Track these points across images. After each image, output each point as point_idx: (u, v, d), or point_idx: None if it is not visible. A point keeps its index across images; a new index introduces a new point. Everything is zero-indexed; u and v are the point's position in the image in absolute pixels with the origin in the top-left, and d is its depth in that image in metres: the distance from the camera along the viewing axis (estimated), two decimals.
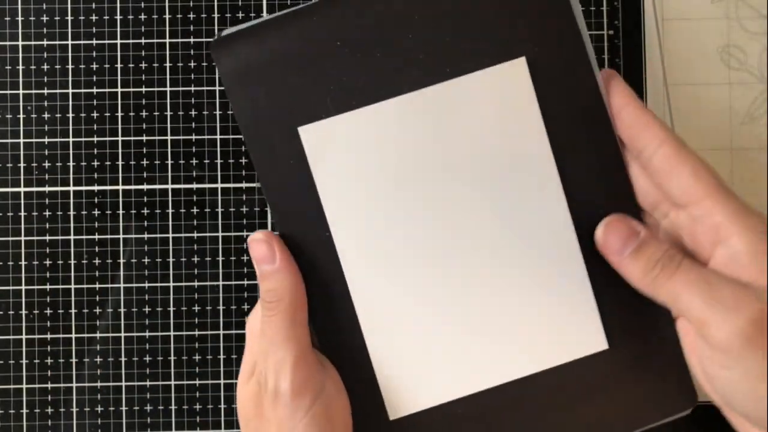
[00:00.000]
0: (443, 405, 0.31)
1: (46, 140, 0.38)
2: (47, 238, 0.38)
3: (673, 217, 0.30)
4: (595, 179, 0.31)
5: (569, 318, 0.31)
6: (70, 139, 0.38)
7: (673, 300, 0.28)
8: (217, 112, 0.38)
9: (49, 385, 0.38)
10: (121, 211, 0.38)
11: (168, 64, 0.38)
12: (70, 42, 0.38)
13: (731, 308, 0.26)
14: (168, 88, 0.38)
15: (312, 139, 0.30)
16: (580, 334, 0.31)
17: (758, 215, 0.27)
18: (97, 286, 0.38)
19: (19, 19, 0.38)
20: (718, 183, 0.28)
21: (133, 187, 0.38)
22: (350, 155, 0.31)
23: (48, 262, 0.38)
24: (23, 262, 0.38)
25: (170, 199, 0.38)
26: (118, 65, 0.38)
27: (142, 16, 0.39)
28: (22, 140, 0.38)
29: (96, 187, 0.38)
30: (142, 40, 0.38)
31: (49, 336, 0.38)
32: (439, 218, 0.31)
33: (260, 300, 0.31)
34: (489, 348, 0.31)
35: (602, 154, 0.31)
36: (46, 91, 0.38)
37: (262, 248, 0.30)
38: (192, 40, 0.38)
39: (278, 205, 0.31)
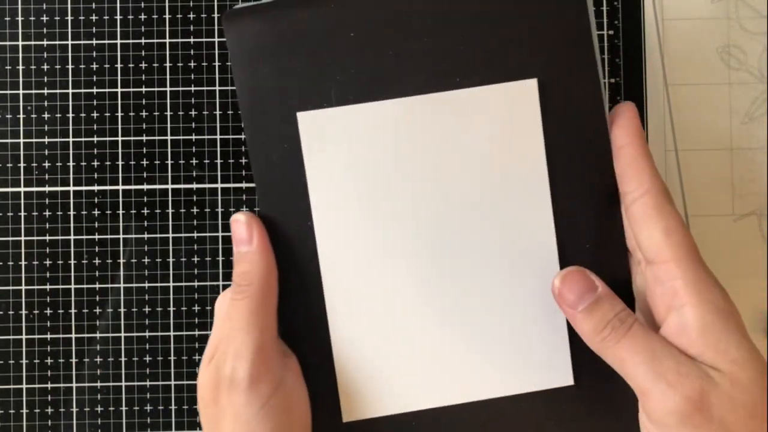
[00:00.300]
0: (399, 415, 0.30)
1: (46, 140, 0.38)
2: (47, 238, 0.38)
3: (642, 269, 0.29)
4: (586, 213, 0.30)
5: (539, 348, 0.30)
6: (70, 139, 0.38)
7: (618, 364, 0.27)
8: (217, 112, 0.38)
9: (49, 385, 0.38)
10: (121, 211, 0.38)
11: (168, 64, 0.38)
12: (70, 42, 0.38)
13: (671, 383, 0.26)
14: (168, 88, 0.38)
15: (309, 126, 0.30)
16: (548, 366, 0.30)
17: (719, 290, 0.27)
18: (97, 286, 0.38)
19: (19, 19, 0.38)
20: (688, 247, 0.27)
21: (133, 187, 0.38)
22: (345, 148, 0.30)
23: (48, 262, 0.38)
24: (23, 262, 0.38)
25: (170, 199, 0.38)
26: (118, 65, 0.38)
27: (142, 16, 0.39)
28: (22, 140, 0.38)
29: (96, 187, 0.38)
30: (142, 40, 0.38)
31: (49, 336, 0.38)
32: (423, 227, 0.30)
33: (232, 282, 0.30)
34: (454, 365, 0.30)
35: (598, 189, 0.30)
36: (46, 91, 0.38)
37: (242, 229, 0.30)
38: (192, 40, 0.38)
39: (264, 187, 0.30)
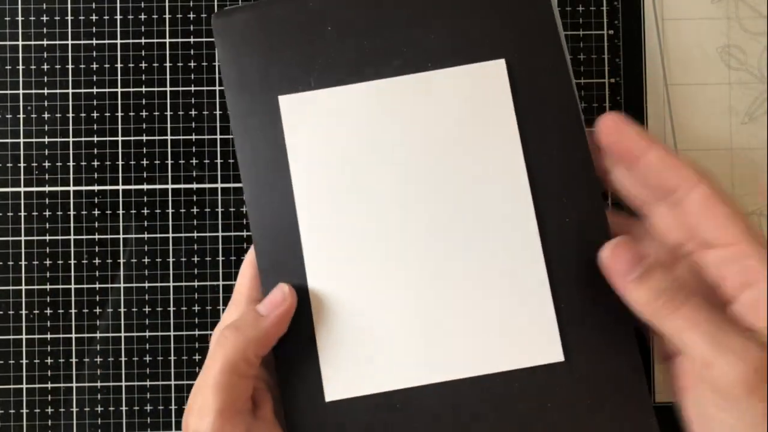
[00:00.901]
0: (383, 394, 0.30)
1: (46, 140, 0.38)
2: (47, 238, 0.38)
3: (697, 257, 0.30)
4: (563, 188, 0.31)
5: (527, 325, 0.31)
6: (70, 139, 0.38)
7: (676, 334, 0.28)
8: (217, 112, 0.38)
9: (49, 385, 0.38)
10: (121, 211, 0.38)
11: (168, 64, 0.38)
12: (70, 42, 0.38)
13: (738, 355, 0.26)
14: (168, 88, 0.38)
15: (290, 108, 0.32)
16: (537, 342, 0.30)
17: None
18: (97, 286, 0.38)
19: (19, 19, 0.38)
20: (751, 228, 0.28)
21: (133, 187, 0.38)
22: (323, 128, 0.32)
23: (48, 262, 0.38)
24: (23, 262, 0.38)
25: (170, 199, 0.38)
26: (118, 65, 0.38)
27: (142, 16, 0.39)
28: (22, 140, 0.38)
29: (96, 187, 0.38)
30: (142, 40, 0.38)
31: (49, 336, 0.38)
32: (403, 206, 0.31)
33: (225, 321, 0.31)
34: (440, 343, 0.31)
35: (573, 162, 0.31)
36: (46, 91, 0.38)
37: (278, 296, 0.30)
38: (192, 40, 0.38)
39: (248, 171, 0.32)
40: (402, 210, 0.31)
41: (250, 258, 0.32)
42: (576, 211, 0.31)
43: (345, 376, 0.31)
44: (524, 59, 0.32)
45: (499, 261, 0.31)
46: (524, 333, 0.31)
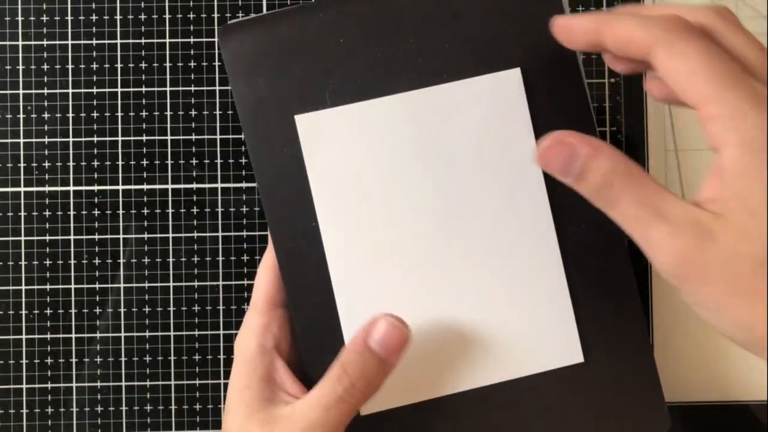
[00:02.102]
0: (414, 405, 0.31)
1: (46, 140, 0.38)
2: (47, 238, 0.38)
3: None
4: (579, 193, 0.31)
5: (547, 328, 0.31)
6: (70, 139, 0.38)
7: (622, 220, 0.25)
8: (217, 112, 0.38)
9: (49, 385, 0.38)
10: (121, 211, 0.38)
11: (168, 64, 0.38)
12: (70, 42, 0.38)
13: (674, 223, 0.24)
14: (168, 88, 0.38)
15: (307, 128, 0.31)
16: (557, 345, 0.31)
17: (760, 119, 0.23)
18: (97, 286, 0.38)
19: (19, 19, 0.38)
20: (717, 79, 0.24)
21: (133, 187, 0.38)
22: (342, 147, 0.31)
23: (48, 262, 0.38)
24: (23, 262, 0.38)
25: (170, 199, 0.38)
26: (118, 65, 0.38)
27: (142, 16, 0.39)
28: (22, 140, 0.38)
29: (96, 187, 0.38)
30: (142, 40, 0.38)
31: (49, 336, 0.38)
32: (424, 218, 0.31)
33: (247, 324, 0.31)
34: (464, 352, 0.31)
35: None
36: (46, 91, 0.38)
37: (394, 336, 0.29)
38: (192, 40, 0.38)
39: (268, 192, 0.31)
40: (424, 222, 0.31)
41: (267, 262, 0.32)
42: (591, 214, 0.31)
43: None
44: (538, 66, 0.31)
45: (520, 268, 0.31)
46: (546, 336, 0.31)
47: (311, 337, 0.31)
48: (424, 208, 0.31)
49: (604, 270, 0.31)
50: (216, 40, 0.38)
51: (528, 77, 0.31)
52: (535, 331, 0.31)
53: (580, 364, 0.31)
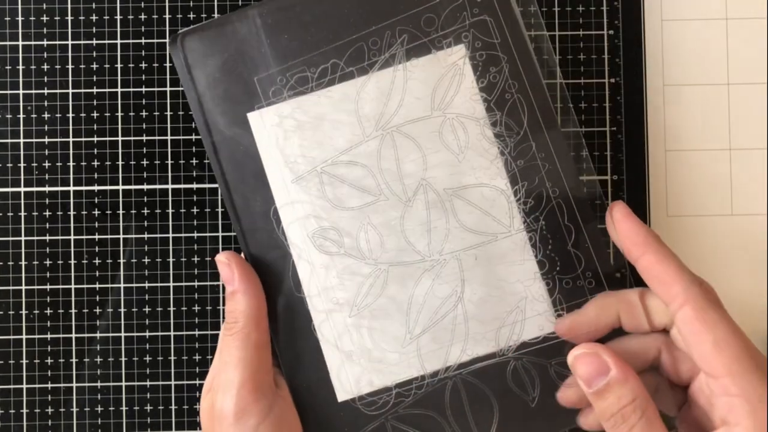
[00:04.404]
0: (388, 387, 0.32)
1: (46, 140, 0.38)
2: (47, 238, 0.38)
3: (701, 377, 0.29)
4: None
5: (524, 305, 0.32)
6: (70, 139, 0.38)
7: None
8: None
9: (49, 385, 0.38)
10: (121, 211, 0.38)
11: (168, 64, 0.38)
12: (70, 42, 0.38)
13: None
14: (168, 88, 0.38)
15: (259, 123, 0.32)
16: (538, 321, 0.32)
17: None
18: (97, 286, 0.38)
19: (19, 19, 0.38)
20: (742, 360, 0.26)
21: (133, 187, 0.38)
22: (296, 137, 0.32)
23: (48, 262, 0.38)
24: (23, 262, 0.38)
25: (170, 199, 0.38)
26: (118, 65, 0.38)
27: (142, 16, 0.39)
28: (22, 140, 0.38)
29: (96, 187, 0.38)
30: (142, 40, 0.38)
31: (49, 336, 0.38)
32: (387, 202, 0.32)
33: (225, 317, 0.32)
34: (440, 335, 0.32)
35: (542, 117, 0.33)
36: (46, 91, 0.38)
37: (224, 270, 0.32)
38: None
39: (233, 196, 0.33)
40: (387, 209, 0.32)
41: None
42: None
43: (353, 375, 0.32)
44: (483, 40, 0.32)
45: (493, 252, 0.32)
46: (523, 313, 0.32)
47: (287, 331, 0.33)
48: (384, 193, 0.32)
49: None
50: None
51: (473, 50, 0.32)
52: (508, 308, 0.32)
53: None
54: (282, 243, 0.32)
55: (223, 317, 0.38)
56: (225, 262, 0.32)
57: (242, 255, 0.33)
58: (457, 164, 0.32)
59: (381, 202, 0.32)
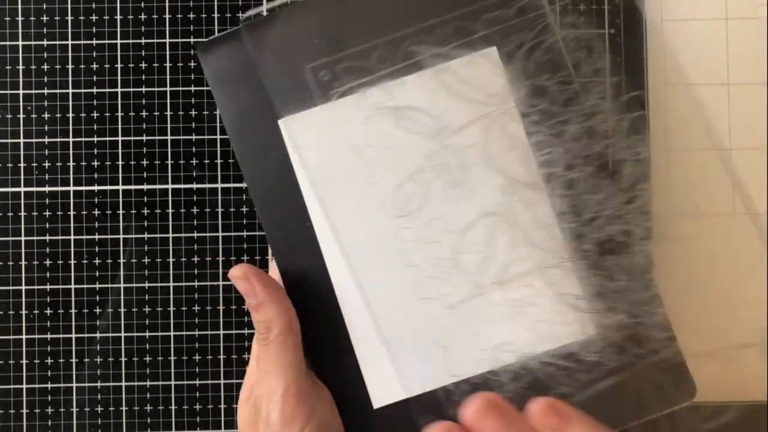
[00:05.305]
0: (425, 394, 0.32)
1: (46, 140, 0.38)
2: (47, 238, 0.38)
3: None
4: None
5: (556, 306, 0.31)
6: (70, 139, 0.38)
7: None
8: (217, 112, 0.38)
9: (49, 385, 0.38)
10: (121, 211, 0.38)
11: (168, 64, 0.38)
12: (70, 42, 0.38)
13: None
14: (168, 88, 0.38)
15: (291, 130, 0.32)
16: (569, 320, 0.31)
17: None
18: (97, 286, 0.38)
19: (19, 19, 0.38)
20: None
21: (133, 187, 0.38)
22: (327, 144, 0.32)
23: (48, 262, 0.38)
24: (23, 262, 0.38)
25: (170, 199, 0.38)
26: (118, 65, 0.38)
27: (142, 16, 0.39)
28: (22, 140, 0.38)
29: (96, 187, 0.38)
30: (142, 40, 0.38)
31: (49, 336, 0.38)
32: (419, 208, 0.32)
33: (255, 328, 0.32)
34: (470, 340, 0.32)
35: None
36: (46, 91, 0.38)
37: (242, 285, 0.31)
38: (192, 40, 0.38)
39: (260, 197, 0.32)
40: (418, 216, 0.32)
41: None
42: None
43: (387, 382, 0.32)
44: (516, 44, 0.32)
45: (525, 250, 0.32)
46: (555, 315, 0.32)
47: (318, 337, 0.32)
48: (415, 196, 0.32)
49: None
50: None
51: (506, 54, 0.32)
52: (542, 311, 0.31)
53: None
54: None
55: (224, 316, 0.38)
56: (241, 278, 0.31)
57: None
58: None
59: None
